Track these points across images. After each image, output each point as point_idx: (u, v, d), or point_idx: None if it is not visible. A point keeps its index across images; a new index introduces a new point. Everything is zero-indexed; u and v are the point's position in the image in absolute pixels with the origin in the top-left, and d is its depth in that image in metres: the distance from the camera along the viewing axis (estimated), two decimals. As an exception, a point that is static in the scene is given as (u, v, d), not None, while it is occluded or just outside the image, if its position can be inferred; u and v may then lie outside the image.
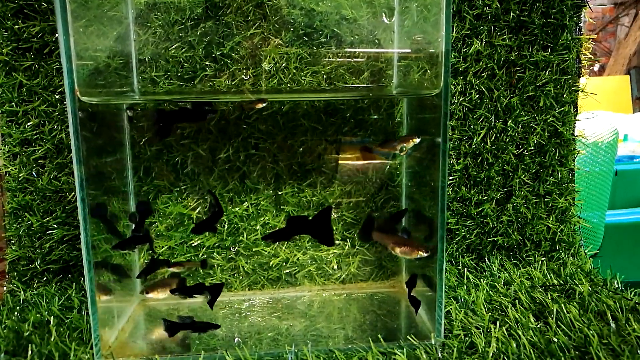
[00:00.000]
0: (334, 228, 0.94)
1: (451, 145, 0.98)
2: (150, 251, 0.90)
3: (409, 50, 0.88)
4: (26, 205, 0.93)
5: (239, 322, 0.82)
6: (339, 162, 0.92)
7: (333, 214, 0.93)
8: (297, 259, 0.93)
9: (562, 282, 0.92)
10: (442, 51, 0.68)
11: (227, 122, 0.88)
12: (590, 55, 1.01)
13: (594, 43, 1.01)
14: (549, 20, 0.96)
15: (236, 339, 0.76)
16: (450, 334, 0.74)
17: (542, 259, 1.02)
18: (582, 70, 1.01)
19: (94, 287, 0.69)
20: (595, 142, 1.53)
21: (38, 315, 0.81)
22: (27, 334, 0.75)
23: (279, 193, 0.92)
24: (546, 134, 1.00)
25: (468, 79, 0.97)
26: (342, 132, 0.91)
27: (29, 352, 0.70)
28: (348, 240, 0.95)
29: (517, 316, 0.78)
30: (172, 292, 0.80)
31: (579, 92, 1.01)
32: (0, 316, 0.82)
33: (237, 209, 0.91)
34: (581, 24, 0.99)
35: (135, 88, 0.86)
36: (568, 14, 0.96)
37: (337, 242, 0.94)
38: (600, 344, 0.68)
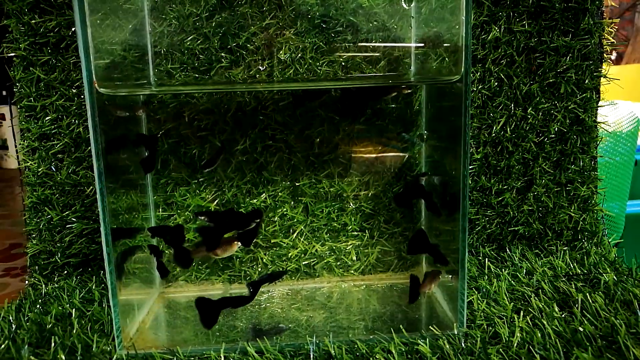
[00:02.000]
0: (352, 219, 0.93)
1: (470, 133, 0.97)
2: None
3: (424, 42, 0.86)
4: (46, 199, 0.94)
5: (258, 314, 0.82)
6: (353, 154, 0.92)
7: (351, 204, 0.93)
8: (316, 250, 0.93)
9: (585, 271, 0.90)
10: (462, 36, 0.66)
11: (243, 113, 0.88)
12: (612, 40, 0.98)
13: (616, 28, 0.99)
14: (569, 4, 0.94)
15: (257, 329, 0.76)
16: (472, 324, 0.73)
17: (565, 248, 1.00)
18: (605, 55, 0.98)
19: (114, 279, 0.69)
20: (615, 131, 1.50)
21: (60, 308, 0.82)
22: (49, 326, 0.76)
23: (297, 184, 0.91)
24: (567, 121, 0.98)
25: (487, 66, 0.95)
26: (359, 121, 0.90)
27: (52, 344, 0.70)
28: (367, 231, 0.94)
29: (540, 306, 0.77)
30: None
31: (601, 78, 0.99)
32: (22, 309, 0.83)
33: (254, 200, 0.91)
34: (603, 8, 0.97)
35: (151, 80, 0.86)
36: (590, -3, 0.94)
37: (355, 233, 0.94)
38: (627, 334, 0.67)
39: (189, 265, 0.90)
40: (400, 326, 0.73)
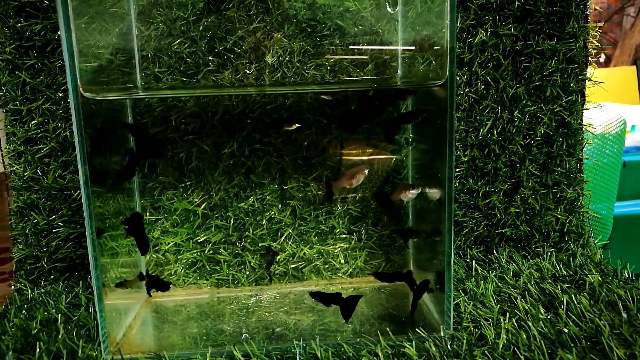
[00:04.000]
0: (340, 222, 0.93)
1: (457, 136, 0.97)
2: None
3: (413, 46, 0.87)
4: (32, 204, 0.93)
5: (246, 318, 0.81)
6: (341, 157, 0.92)
7: (338, 207, 0.93)
8: (304, 253, 0.93)
9: (571, 273, 0.91)
10: (446, 40, 0.67)
11: (231, 116, 0.88)
12: (597, 44, 0.99)
13: (600, 32, 1.00)
14: (554, 8, 0.95)
15: (244, 335, 0.75)
16: (459, 327, 0.74)
17: (551, 250, 1.01)
18: (589, 59, 0.99)
19: (101, 284, 0.69)
20: (603, 133, 1.51)
21: (45, 313, 0.81)
22: (35, 331, 0.75)
23: (285, 187, 0.91)
24: (553, 124, 0.99)
25: (473, 69, 0.96)
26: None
27: (37, 350, 0.70)
28: (354, 234, 0.94)
29: (526, 307, 0.77)
30: None
31: (586, 82, 1.00)
32: (8, 314, 0.82)
33: (242, 204, 0.91)
34: (587, 12, 0.98)
35: (138, 84, 0.86)
36: (574, 1, 0.94)
37: (343, 236, 0.94)
38: (611, 334, 0.67)
39: (332, 199, 0.92)
40: (387, 329, 0.73)
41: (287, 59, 0.88)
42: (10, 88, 0.90)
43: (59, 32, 0.89)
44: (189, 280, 0.92)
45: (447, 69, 0.67)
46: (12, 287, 0.96)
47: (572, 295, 0.79)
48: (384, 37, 0.88)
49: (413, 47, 0.86)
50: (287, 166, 0.91)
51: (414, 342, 0.69)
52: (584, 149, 1.03)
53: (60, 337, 0.73)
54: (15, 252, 0.95)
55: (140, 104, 0.87)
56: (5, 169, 0.95)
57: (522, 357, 0.64)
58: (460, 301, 0.81)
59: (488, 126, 0.97)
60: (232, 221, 0.91)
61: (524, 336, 0.68)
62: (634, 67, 3.94)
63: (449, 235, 0.71)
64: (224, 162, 0.89)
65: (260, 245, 0.92)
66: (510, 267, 0.94)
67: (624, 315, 0.72)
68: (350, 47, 0.89)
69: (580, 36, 0.97)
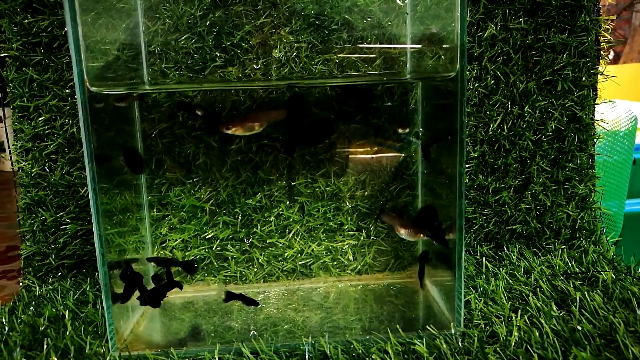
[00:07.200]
0: (349, 218, 0.92)
1: (467, 132, 0.96)
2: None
3: (420, 39, 0.86)
4: (39, 200, 0.93)
5: (254, 315, 0.81)
6: (349, 153, 0.91)
7: (347, 204, 0.92)
8: (312, 250, 0.92)
9: (584, 269, 0.89)
10: (457, 33, 0.66)
11: (238, 112, 0.87)
12: (609, 37, 0.98)
13: (613, 25, 0.98)
14: (565, 1, 0.93)
15: (252, 332, 0.75)
16: (470, 324, 0.73)
17: (563, 247, 1.00)
18: (601, 52, 0.98)
19: (108, 280, 0.69)
20: (614, 130, 1.50)
21: (53, 310, 0.81)
22: (42, 328, 0.75)
23: (292, 184, 0.91)
24: (564, 119, 0.98)
25: (483, 64, 0.94)
26: (355, 120, 0.89)
27: (45, 346, 0.69)
28: (363, 230, 0.93)
29: (538, 305, 0.76)
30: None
31: (598, 76, 0.99)
32: (16, 311, 0.82)
33: (250, 200, 0.90)
34: (599, 5, 0.96)
35: (145, 80, 0.85)
36: (586, -6, 0.93)
37: (352, 232, 0.93)
38: (626, 332, 0.66)
39: None
40: (397, 326, 0.72)
41: (294, 54, 0.87)
42: (17, 84, 0.90)
43: (66, 28, 0.89)
44: (197, 277, 0.92)
45: (458, 62, 0.66)
46: (20, 284, 0.96)
47: (585, 293, 0.78)
48: (393, 31, 0.87)
49: (422, 43, 0.85)
50: (295, 162, 0.90)
51: (424, 339, 0.68)
52: (595, 146, 1.01)
53: (68, 333, 0.73)
54: (23, 249, 0.95)
55: (147, 99, 0.86)
56: (12, 165, 0.94)
57: (535, 355, 0.63)
58: (470, 298, 0.80)
59: (498, 121, 0.96)
60: (239, 218, 0.91)
61: (537, 334, 0.67)
62: (644, 64, 3.90)
63: (460, 232, 0.70)
64: (232, 158, 0.89)
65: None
66: (521, 264, 0.93)
67: (639, 312, 0.71)
68: (359, 41, 0.88)
69: (592, 30, 0.95)
